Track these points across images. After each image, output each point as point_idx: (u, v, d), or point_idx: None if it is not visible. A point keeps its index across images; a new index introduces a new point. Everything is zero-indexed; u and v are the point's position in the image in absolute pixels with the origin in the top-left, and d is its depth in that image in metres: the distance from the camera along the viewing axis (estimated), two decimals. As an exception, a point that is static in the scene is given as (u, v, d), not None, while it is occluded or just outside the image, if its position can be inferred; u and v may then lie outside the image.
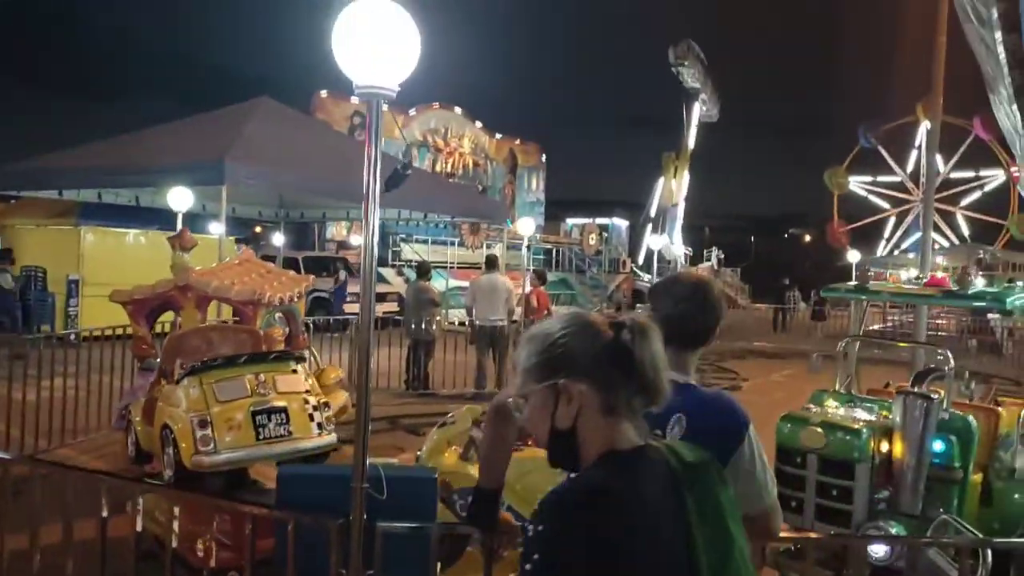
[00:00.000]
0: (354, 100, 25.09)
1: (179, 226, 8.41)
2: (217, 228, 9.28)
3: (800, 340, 19.11)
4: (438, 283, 16.87)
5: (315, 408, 4.98)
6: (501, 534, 2.16)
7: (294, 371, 5.18)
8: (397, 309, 14.49)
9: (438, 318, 10.74)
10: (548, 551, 1.19)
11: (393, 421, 8.21)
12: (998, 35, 5.08)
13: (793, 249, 59.35)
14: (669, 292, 2.17)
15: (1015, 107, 6.96)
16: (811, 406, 4.21)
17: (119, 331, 7.25)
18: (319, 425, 4.92)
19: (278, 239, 14.66)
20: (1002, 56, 5.46)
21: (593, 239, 31.50)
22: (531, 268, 14.73)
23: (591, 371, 1.32)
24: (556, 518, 1.22)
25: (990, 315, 16.15)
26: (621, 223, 36.75)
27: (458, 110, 29.40)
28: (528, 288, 11.67)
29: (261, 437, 4.72)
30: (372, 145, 2.12)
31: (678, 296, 2.13)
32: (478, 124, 30.21)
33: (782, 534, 2.52)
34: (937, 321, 18.42)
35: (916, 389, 3.98)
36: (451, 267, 22.26)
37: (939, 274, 6.50)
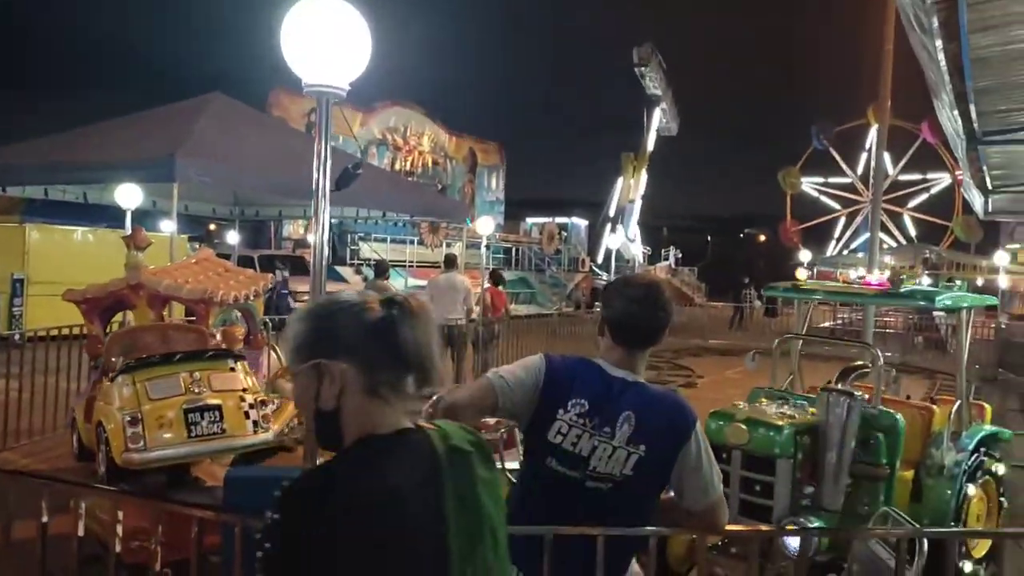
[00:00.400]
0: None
1: (128, 223, 8.26)
2: (168, 226, 9.10)
3: (755, 338, 19.44)
4: (397, 282, 16.80)
5: (251, 406, 5.00)
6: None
7: (232, 369, 5.19)
8: (355, 308, 14.35)
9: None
10: (277, 542, 1.17)
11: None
12: (939, 43, 5.25)
13: (748, 248, 60.44)
14: (621, 293, 2.20)
15: (956, 112, 7.20)
16: (741, 403, 4.28)
17: (65, 331, 7.08)
18: (255, 423, 4.93)
19: (232, 237, 14.42)
20: (943, 63, 5.66)
21: (552, 238, 31.67)
22: (490, 267, 14.74)
23: (355, 351, 1.29)
24: (288, 509, 1.19)
25: (935, 313, 16.67)
26: (580, 223, 37.03)
27: (418, 108, 29.28)
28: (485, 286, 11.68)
29: (193, 434, 4.77)
30: (322, 143, 2.11)
31: (630, 297, 2.16)
32: (438, 123, 30.13)
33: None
34: (885, 319, 18.93)
35: (840, 386, 4.06)
36: (410, 266, 22.18)
37: (887, 273, 6.70)
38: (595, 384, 2.11)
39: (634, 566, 2.35)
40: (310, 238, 22.20)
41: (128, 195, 8.37)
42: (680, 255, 38.02)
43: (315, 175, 2.11)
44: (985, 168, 10.60)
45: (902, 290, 4.56)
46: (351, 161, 2.87)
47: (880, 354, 4.50)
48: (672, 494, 2.19)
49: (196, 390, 4.89)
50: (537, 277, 28.76)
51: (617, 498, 2.07)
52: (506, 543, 1.40)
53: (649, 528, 2.23)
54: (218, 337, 6.05)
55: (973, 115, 7.45)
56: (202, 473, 5.14)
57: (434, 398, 2.13)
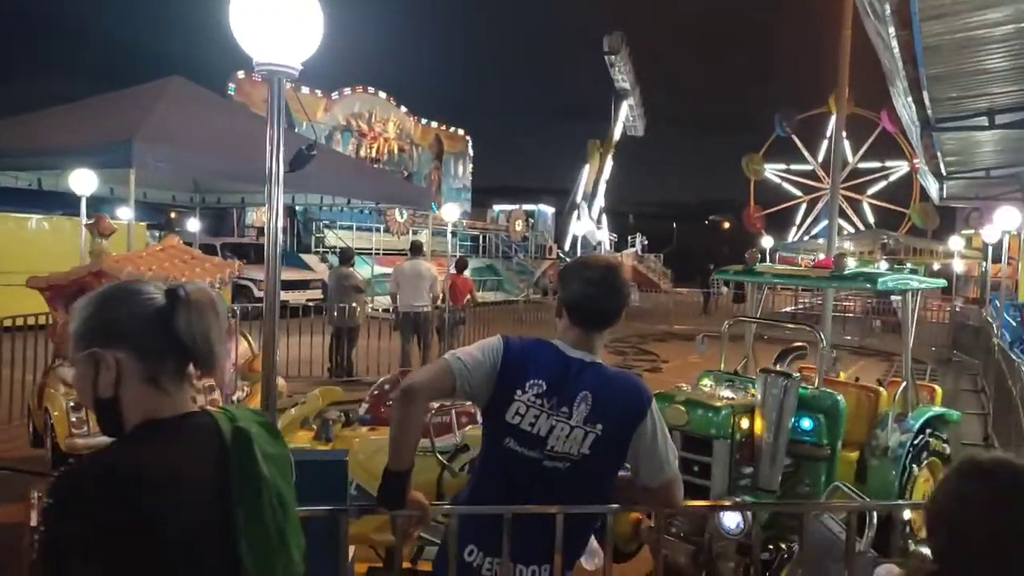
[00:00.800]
0: (274, 82, 24.36)
1: (83, 211, 8.09)
2: (126, 213, 8.91)
3: (721, 323, 19.71)
4: (363, 269, 16.68)
5: (198, 392, 5.02)
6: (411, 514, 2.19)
7: None
8: (321, 296, 14.24)
9: (361, 304, 10.62)
10: (52, 527, 1.19)
11: (315, 409, 8.09)
12: (892, 30, 5.37)
13: (713, 235, 61.07)
14: (579, 275, 2.22)
15: (910, 99, 7.38)
16: (684, 385, 4.33)
17: (20, 322, 6.92)
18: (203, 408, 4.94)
19: (193, 224, 14.16)
20: (896, 51, 5.78)
21: (519, 225, 31.68)
22: (456, 255, 14.72)
23: (132, 339, 1.33)
24: (62, 493, 1.20)
25: (893, 297, 17.05)
26: (547, 210, 37.08)
27: (382, 94, 28.98)
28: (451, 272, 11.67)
29: None
30: (274, 126, 2.07)
31: (588, 279, 2.18)
32: (403, 109, 29.86)
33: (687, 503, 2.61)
34: (845, 303, 19.32)
35: (778, 367, 4.11)
36: (376, 254, 22.01)
37: (849, 260, 6.82)
38: (553, 365, 2.13)
39: (593, 543, 2.39)
40: (274, 225, 21.91)
41: (83, 181, 8.16)
42: (646, 242, 38.32)
43: (268, 160, 2.08)
44: (939, 154, 10.88)
45: (846, 272, 4.63)
46: (303, 143, 2.83)
47: (823, 336, 4.56)
48: (628, 472, 2.23)
49: None
50: (504, 264, 28.75)
51: (575, 477, 2.10)
52: (295, 512, 1.48)
53: (607, 506, 2.26)
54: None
55: (927, 102, 7.64)
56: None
57: (379, 380, 2.14)
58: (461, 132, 33.51)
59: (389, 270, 15.65)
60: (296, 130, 19.41)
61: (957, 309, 17.13)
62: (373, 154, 28.17)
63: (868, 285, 4.71)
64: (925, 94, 7.32)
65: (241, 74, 22.30)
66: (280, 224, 2.19)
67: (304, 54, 2.05)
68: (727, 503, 3.78)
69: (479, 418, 4.35)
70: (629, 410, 2.12)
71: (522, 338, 2.24)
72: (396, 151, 29.46)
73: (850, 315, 19.05)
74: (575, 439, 2.07)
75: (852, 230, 34.55)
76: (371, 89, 28.58)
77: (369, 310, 12.12)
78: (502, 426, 2.10)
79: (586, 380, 2.11)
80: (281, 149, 2.06)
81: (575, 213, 32.21)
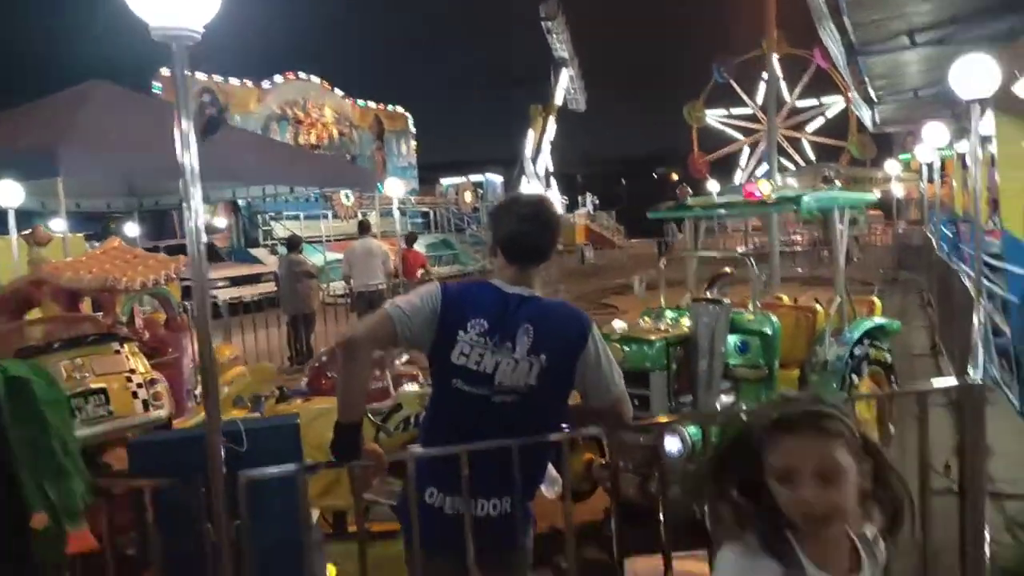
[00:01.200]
0: (200, 76, 23.72)
1: (12, 225, 7.87)
2: (59, 224, 8.63)
3: (677, 269, 20.02)
4: (315, 257, 16.47)
5: (139, 386, 4.97)
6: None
7: (117, 352, 5.13)
8: (275, 288, 14.05)
9: (315, 289, 10.52)
10: None
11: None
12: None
13: (662, 187, 61.48)
14: (511, 212, 2.26)
15: (833, 26, 7.51)
16: (619, 322, 4.40)
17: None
18: (144, 402, 4.91)
19: (132, 229, 13.76)
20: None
21: (468, 197, 31.56)
22: (406, 232, 14.62)
23: None
24: None
25: (837, 227, 17.47)
26: (496, 178, 36.96)
27: (315, 79, 28.41)
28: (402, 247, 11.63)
29: (78, 419, 4.72)
30: (179, 96, 2.01)
31: (521, 216, 2.22)
32: (338, 92, 29.34)
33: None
34: (793, 237, 19.77)
35: (708, 295, 4.18)
36: (328, 241, 21.74)
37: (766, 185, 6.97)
38: (492, 303, 2.16)
39: (551, 472, 2.45)
40: (217, 222, 21.14)
41: (7, 193, 7.87)
42: (597, 200, 38.54)
43: (178, 146, 2.04)
44: (867, 79, 11.09)
45: (775, 199, 4.75)
46: (209, 107, 2.77)
47: (753, 263, 4.63)
48: (579, 400, 2.29)
49: (78, 376, 4.81)
50: (458, 237, 28.67)
51: (524, 408, 2.14)
52: (76, 448, 1.69)
53: (559, 434, 2.30)
54: (138, 324, 5.94)
55: (848, 27, 7.78)
56: (114, 459, 5.13)
57: (317, 353, 2.16)
58: (400, 110, 33.09)
59: (340, 255, 15.51)
60: (231, 123, 18.93)
61: (900, 231, 17.66)
62: (313, 140, 27.70)
63: (794, 207, 4.82)
64: (846, 19, 7.45)
65: (166, 71, 21.59)
66: (201, 223, 2.17)
67: (205, 16, 2.00)
68: (685, 417, 3.87)
69: (421, 379, 4.43)
70: (570, 338, 2.17)
71: (459, 283, 2.28)
72: (336, 135, 28.99)
73: (799, 249, 19.51)
74: (521, 372, 2.11)
75: (794, 168, 35.20)
76: (303, 74, 27.99)
77: (324, 297, 12.00)
78: (448, 368, 2.12)
79: (525, 313, 2.15)
80: (190, 121, 2.01)
81: (523, 178, 32.19)
